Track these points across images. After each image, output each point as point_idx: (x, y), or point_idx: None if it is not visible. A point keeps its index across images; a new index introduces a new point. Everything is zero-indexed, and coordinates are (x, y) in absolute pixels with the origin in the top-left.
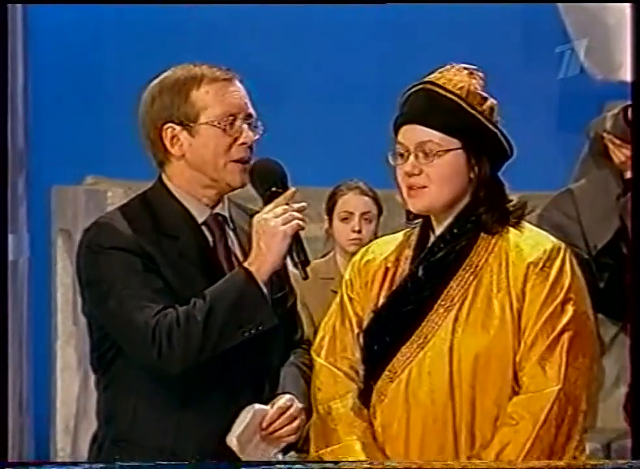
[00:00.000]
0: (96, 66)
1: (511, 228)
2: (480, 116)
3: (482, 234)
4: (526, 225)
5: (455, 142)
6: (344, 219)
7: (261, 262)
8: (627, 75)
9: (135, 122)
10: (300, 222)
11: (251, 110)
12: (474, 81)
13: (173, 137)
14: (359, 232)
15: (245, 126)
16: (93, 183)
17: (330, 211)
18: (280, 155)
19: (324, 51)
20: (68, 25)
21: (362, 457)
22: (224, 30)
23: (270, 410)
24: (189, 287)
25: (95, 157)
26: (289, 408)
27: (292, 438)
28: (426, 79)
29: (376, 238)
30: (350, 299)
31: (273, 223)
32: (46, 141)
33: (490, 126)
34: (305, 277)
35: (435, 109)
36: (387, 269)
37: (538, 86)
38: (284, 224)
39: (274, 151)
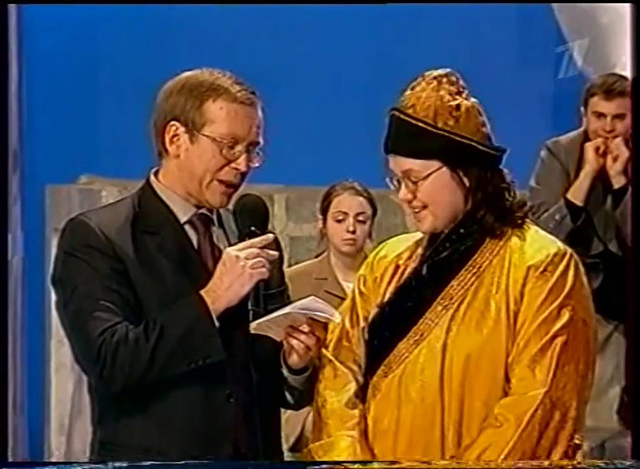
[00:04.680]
0: (90, 66)
1: (518, 231)
2: (448, 134)
3: (488, 236)
4: (535, 228)
5: (434, 164)
6: (338, 220)
7: (218, 296)
8: (621, 73)
9: (131, 121)
10: (267, 272)
11: (258, 138)
12: (442, 92)
13: (174, 136)
14: (353, 232)
15: (245, 153)
16: (87, 182)
17: (324, 211)
18: (276, 154)
19: (319, 50)
20: (62, 24)
21: (348, 454)
22: (219, 30)
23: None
24: (162, 285)
25: (89, 157)
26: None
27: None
28: (400, 100)
29: (370, 238)
30: (361, 293)
31: (242, 263)
32: (40, 140)
33: (459, 139)
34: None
35: (405, 137)
36: (397, 266)
37: (533, 85)
38: (252, 268)
39: (270, 150)
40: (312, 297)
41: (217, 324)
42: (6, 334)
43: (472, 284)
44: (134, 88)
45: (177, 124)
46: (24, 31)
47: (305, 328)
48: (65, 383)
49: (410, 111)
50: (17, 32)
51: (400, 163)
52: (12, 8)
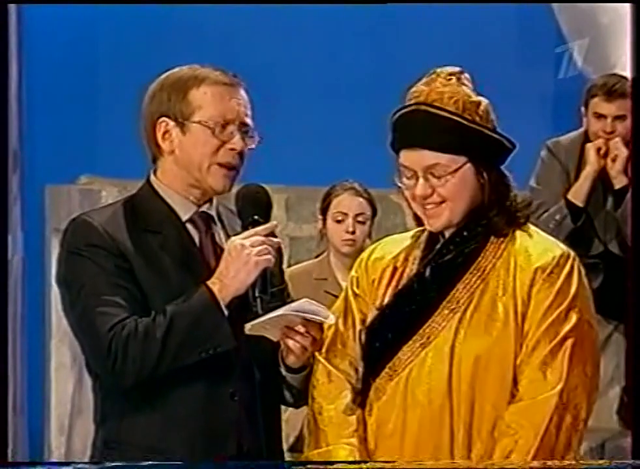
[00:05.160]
0: (90, 66)
1: (520, 232)
2: (480, 127)
3: (492, 238)
4: (535, 229)
5: (462, 159)
6: (338, 220)
7: (224, 285)
8: (621, 73)
9: (130, 121)
10: (272, 259)
11: (247, 119)
12: (464, 88)
13: (165, 132)
14: (353, 233)
15: (237, 133)
16: (87, 182)
17: (324, 211)
18: (276, 154)
19: (319, 50)
20: (62, 24)
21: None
22: (219, 29)
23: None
24: (166, 283)
25: (89, 157)
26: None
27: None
28: (414, 96)
29: (370, 238)
30: (356, 295)
31: (247, 251)
32: (40, 140)
33: (490, 133)
34: (261, 313)
35: (436, 131)
36: (395, 268)
37: (533, 86)
38: (258, 255)
39: (270, 150)
40: (305, 299)
41: (226, 312)
42: (6, 334)
43: (477, 287)
44: (134, 88)
45: (166, 119)
46: (24, 31)
47: (301, 329)
48: (65, 383)
49: (438, 105)
50: (17, 32)
51: (425, 158)
52: (12, 8)
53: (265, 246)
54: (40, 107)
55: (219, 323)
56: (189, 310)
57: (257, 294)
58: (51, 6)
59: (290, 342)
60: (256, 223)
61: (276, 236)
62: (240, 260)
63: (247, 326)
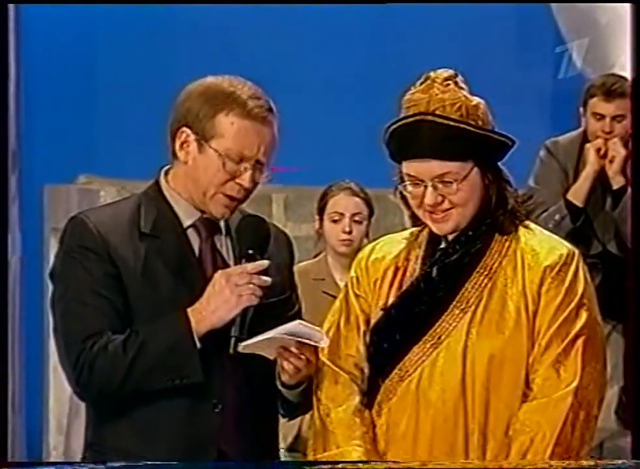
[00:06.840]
0: (89, 66)
1: (523, 230)
2: (484, 131)
3: (496, 237)
4: (536, 227)
5: (470, 165)
6: (334, 220)
7: (202, 317)
8: (620, 73)
9: (129, 121)
10: (256, 299)
11: (264, 158)
12: (462, 92)
13: (184, 142)
14: (349, 233)
15: (249, 170)
16: (86, 182)
17: (320, 211)
18: (274, 153)
19: (318, 50)
20: (61, 24)
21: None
22: (218, 30)
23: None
24: (155, 291)
25: (88, 157)
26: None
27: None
28: (412, 104)
29: (367, 238)
30: (357, 296)
31: (231, 288)
32: (39, 140)
33: (493, 135)
34: (234, 352)
35: (443, 140)
36: (397, 268)
37: (532, 86)
38: (239, 295)
39: None
40: (297, 321)
41: (198, 345)
42: (5, 334)
43: (485, 286)
44: (133, 88)
45: (188, 130)
46: (23, 31)
47: (295, 350)
48: (63, 383)
49: (441, 114)
50: (16, 32)
51: (433, 168)
52: (12, 8)
53: (250, 285)
54: (38, 107)
55: (190, 355)
56: (162, 336)
57: (232, 334)
58: (50, 6)
59: (285, 363)
60: (250, 258)
61: (266, 275)
62: (222, 296)
63: (241, 345)
